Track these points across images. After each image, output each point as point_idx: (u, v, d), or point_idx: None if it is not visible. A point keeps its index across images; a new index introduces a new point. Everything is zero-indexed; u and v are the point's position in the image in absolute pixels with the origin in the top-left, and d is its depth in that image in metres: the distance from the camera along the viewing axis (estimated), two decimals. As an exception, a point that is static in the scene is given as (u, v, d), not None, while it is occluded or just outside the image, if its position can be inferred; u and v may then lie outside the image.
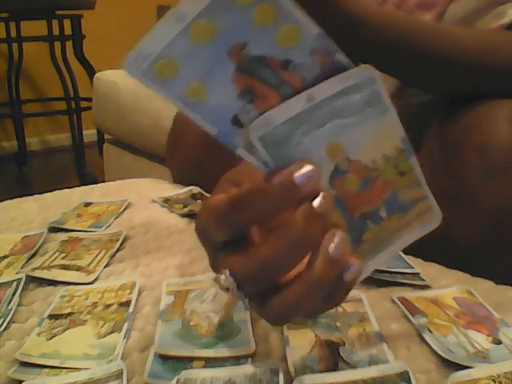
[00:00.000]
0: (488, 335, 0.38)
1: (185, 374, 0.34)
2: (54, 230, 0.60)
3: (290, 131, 0.27)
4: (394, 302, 0.44)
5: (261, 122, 0.27)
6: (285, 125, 0.27)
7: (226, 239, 0.31)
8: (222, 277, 0.30)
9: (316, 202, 0.27)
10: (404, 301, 0.43)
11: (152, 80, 0.25)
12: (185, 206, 0.66)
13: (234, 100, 0.26)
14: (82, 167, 2.33)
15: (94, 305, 0.44)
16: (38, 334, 0.39)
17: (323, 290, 0.28)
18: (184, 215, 0.64)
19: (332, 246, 0.28)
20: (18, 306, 0.44)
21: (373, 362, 0.36)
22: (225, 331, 0.39)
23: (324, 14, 0.49)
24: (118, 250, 0.54)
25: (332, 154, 0.29)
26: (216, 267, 0.34)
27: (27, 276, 0.48)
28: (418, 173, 0.31)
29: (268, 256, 0.28)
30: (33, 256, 0.53)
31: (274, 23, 0.25)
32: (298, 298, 0.28)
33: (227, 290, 0.30)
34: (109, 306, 0.43)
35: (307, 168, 0.27)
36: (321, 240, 0.28)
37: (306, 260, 0.28)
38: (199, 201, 0.69)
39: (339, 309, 0.42)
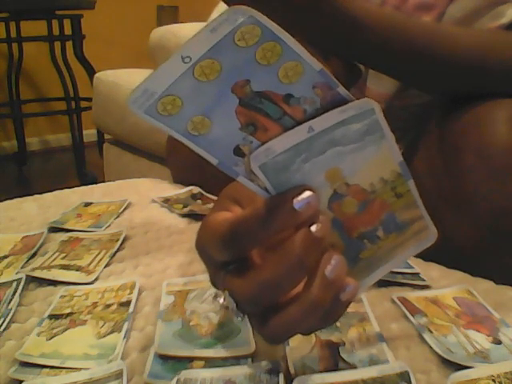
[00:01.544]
0: (488, 335, 0.38)
1: (185, 373, 0.34)
2: (54, 230, 0.60)
3: (290, 159, 0.28)
4: (394, 302, 0.44)
5: (262, 151, 0.27)
6: (285, 153, 0.28)
7: (226, 260, 0.31)
8: (222, 296, 0.31)
9: (314, 227, 0.28)
10: (404, 301, 0.43)
11: (155, 117, 0.26)
12: (185, 206, 0.66)
13: (236, 132, 0.27)
14: (81, 167, 2.33)
15: (94, 305, 0.44)
16: (38, 334, 0.39)
17: (320, 310, 0.29)
18: (184, 215, 0.64)
19: (329, 269, 0.29)
20: (18, 305, 0.44)
21: (373, 362, 0.36)
22: (225, 331, 0.39)
23: (323, 17, 0.49)
24: (118, 250, 0.54)
25: (331, 179, 0.30)
26: (216, 283, 0.35)
27: (27, 276, 0.48)
28: (415, 194, 0.32)
29: (267, 279, 0.28)
30: (33, 256, 0.53)
31: (276, 61, 0.26)
32: (295, 319, 0.29)
33: (226, 308, 0.31)
34: (109, 305, 0.43)
35: (306, 194, 0.28)
36: (318, 263, 0.29)
37: (304, 280, 0.29)
38: (199, 201, 0.69)
39: (339, 309, 0.42)
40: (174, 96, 0.25)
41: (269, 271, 0.28)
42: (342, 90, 0.27)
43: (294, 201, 0.27)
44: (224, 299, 0.31)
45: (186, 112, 0.26)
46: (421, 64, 0.53)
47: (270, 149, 0.28)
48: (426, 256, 0.52)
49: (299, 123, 0.28)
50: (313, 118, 0.28)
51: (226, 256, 0.31)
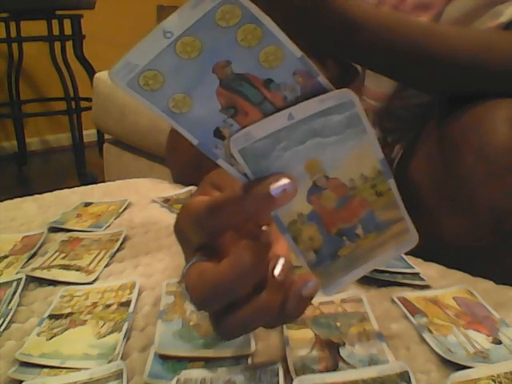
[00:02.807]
0: (488, 335, 0.38)
1: (185, 373, 0.34)
2: (54, 229, 0.60)
3: (270, 146, 0.28)
4: (394, 302, 0.44)
5: (241, 135, 0.28)
6: (265, 139, 0.28)
7: (201, 242, 0.32)
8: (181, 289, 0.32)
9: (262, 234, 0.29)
10: (404, 301, 0.43)
11: (137, 90, 0.26)
12: (185, 206, 0.66)
13: (216, 113, 0.27)
14: (81, 167, 2.33)
15: (94, 305, 0.44)
16: (38, 334, 0.39)
17: (272, 311, 0.30)
18: (184, 215, 0.64)
19: (277, 271, 0.29)
20: (18, 305, 0.44)
21: (373, 362, 0.36)
22: (225, 331, 0.39)
23: (321, 18, 0.49)
24: (118, 250, 0.54)
25: (311, 170, 0.30)
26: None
27: (27, 276, 0.48)
28: (396, 194, 0.32)
29: (214, 287, 0.29)
30: (33, 256, 0.53)
31: (257, 44, 0.26)
32: (248, 320, 0.30)
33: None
34: (109, 306, 0.43)
35: (284, 181, 0.28)
36: (266, 266, 0.29)
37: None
38: (199, 201, 0.69)
39: (339, 309, 0.42)
40: (155, 71, 0.25)
41: (217, 279, 0.29)
42: (322, 79, 0.28)
43: (271, 186, 0.27)
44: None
45: (168, 88, 0.26)
46: (419, 64, 0.53)
47: (249, 133, 0.28)
48: (426, 256, 0.52)
49: (279, 110, 0.28)
50: (293, 105, 0.28)
51: (201, 237, 0.32)
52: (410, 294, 0.45)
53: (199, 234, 0.32)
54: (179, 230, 0.35)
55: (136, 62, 0.25)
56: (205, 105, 0.27)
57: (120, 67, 0.25)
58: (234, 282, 0.28)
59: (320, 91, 0.28)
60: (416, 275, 0.48)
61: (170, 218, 0.64)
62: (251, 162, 0.28)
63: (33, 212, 0.66)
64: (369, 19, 0.50)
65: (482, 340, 0.38)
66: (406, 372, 0.33)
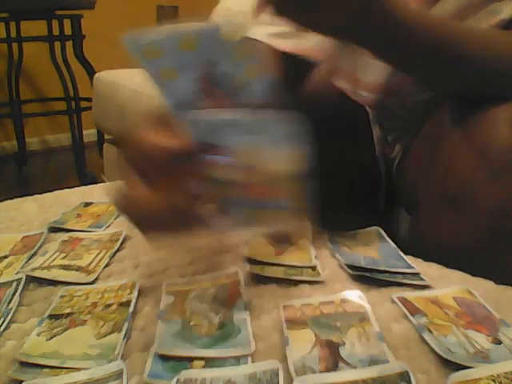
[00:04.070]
0: (488, 335, 0.38)
1: (185, 373, 0.34)
2: (54, 229, 0.60)
3: (219, 128, 0.37)
4: (394, 302, 0.44)
5: (203, 112, 0.36)
6: (218, 121, 0.37)
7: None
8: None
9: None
10: (404, 301, 0.43)
11: (142, 56, 0.35)
12: (185, 206, 0.66)
13: (194, 91, 0.37)
14: (81, 167, 2.33)
15: (94, 305, 0.44)
16: (38, 334, 0.39)
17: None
18: (184, 215, 0.64)
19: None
20: (18, 305, 0.44)
21: (373, 362, 0.36)
22: (225, 331, 0.39)
23: (375, 20, 0.47)
24: (118, 250, 0.54)
25: (241, 156, 0.38)
26: None
27: (27, 276, 0.48)
28: (305, 194, 0.38)
29: (149, 216, 0.39)
30: (33, 256, 0.53)
31: (245, 60, 0.35)
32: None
33: None
34: (109, 305, 0.43)
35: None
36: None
37: None
38: (199, 201, 0.69)
39: (339, 309, 0.42)
40: (159, 45, 0.35)
41: (153, 212, 0.38)
42: (286, 100, 0.35)
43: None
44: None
45: (165, 60, 0.35)
46: (458, 66, 0.51)
47: (208, 112, 0.36)
48: (426, 256, 0.52)
49: (244, 107, 0.36)
50: (256, 109, 0.36)
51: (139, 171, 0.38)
52: (410, 294, 0.45)
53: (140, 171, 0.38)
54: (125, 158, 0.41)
55: (146, 36, 0.34)
56: (188, 82, 0.36)
57: (133, 36, 0.34)
58: (167, 215, 0.37)
59: (282, 108, 0.35)
60: (416, 275, 0.48)
61: (170, 218, 0.64)
62: (201, 132, 0.37)
63: (33, 212, 0.66)
64: (411, 18, 0.48)
65: (482, 340, 0.38)
66: (406, 372, 0.33)
